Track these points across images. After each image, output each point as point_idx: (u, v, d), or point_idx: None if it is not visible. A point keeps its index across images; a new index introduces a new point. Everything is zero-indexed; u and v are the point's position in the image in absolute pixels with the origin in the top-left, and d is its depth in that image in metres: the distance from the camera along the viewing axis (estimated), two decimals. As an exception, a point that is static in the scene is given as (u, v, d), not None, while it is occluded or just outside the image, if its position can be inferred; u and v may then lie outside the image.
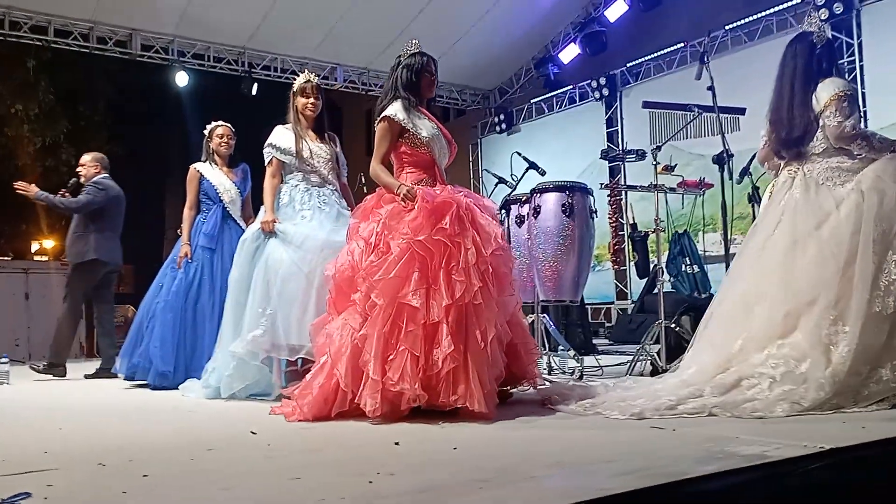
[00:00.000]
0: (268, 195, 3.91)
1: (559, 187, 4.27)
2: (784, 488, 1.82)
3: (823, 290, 2.73)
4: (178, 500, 1.67)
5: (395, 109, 3.13)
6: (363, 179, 9.12)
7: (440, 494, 1.64)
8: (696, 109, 4.00)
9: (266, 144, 3.98)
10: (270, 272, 3.69)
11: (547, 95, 10.75)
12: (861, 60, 7.37)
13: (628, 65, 9.52)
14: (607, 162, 5.35)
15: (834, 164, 2.91)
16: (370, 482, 1.74)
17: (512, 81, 11.35)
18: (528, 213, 4.41)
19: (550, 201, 4.27)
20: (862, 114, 7.28)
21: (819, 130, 2.93)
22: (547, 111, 10.88)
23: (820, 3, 7.36)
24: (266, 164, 3.97)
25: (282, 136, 3.98)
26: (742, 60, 8.15)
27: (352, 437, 2.53)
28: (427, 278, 2.75)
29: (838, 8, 7.23)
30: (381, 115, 3.14)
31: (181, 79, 9.30)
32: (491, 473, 1.84)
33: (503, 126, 11.22)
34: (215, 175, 4.84)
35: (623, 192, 7.66)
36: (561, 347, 4.50)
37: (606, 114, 9.89)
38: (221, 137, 4.90)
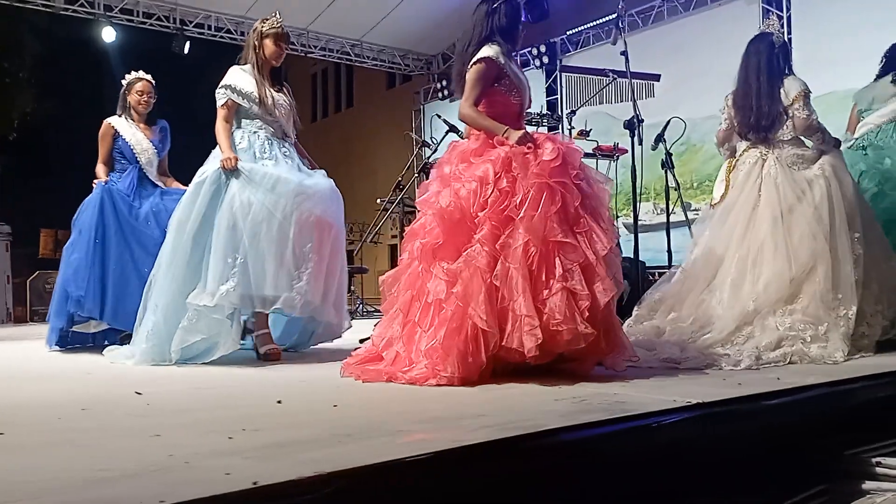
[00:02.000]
0: (224, 136, 3.55)
1: (478, 151, 4.23)
2: (647, 440, 1.87)
3: (819, 260, 3.16)
4: (26, 454, 1.62)
5: (495, 52, 2.93)
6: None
7: (297, 448, 1.62)
8: (612, 75, 4.02)
9: (221, 86, 3.63)
10: (238, 216, 3.34)
11: (489, 62, 10.66)
12: (790, 34, 7.50)
13: (568, 33, 9.50)
14: (539, 127, 5.35)
15: (798, 151, 3.39)
16: (230, 438, 1.72)
17: (455, 48, 11.24)
18: (448, 177, 4.37)
19: (469, 165, 4.22)
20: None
21: (788, 120, 3.37)
22: (489, 78, 10.80)
23: (753, -25, 7.44)
24: (219, 105, 3.61)
25: (241, 79, 3.62)
26: (678, 30, 8.23)
27: (239, 396, 2.50)
28: (568, 220, 2.64)
29: (769, -20, 7.32)
30: (479, 57, 2.92)
31: (108, 34, 8.93)
32: (359, 429, 1.83)
33: (445, 92, 11.12)
34: (132, 132, 4.48)
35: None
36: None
37: (546, 81, 9.88)
38: (141, 94, 4.52)
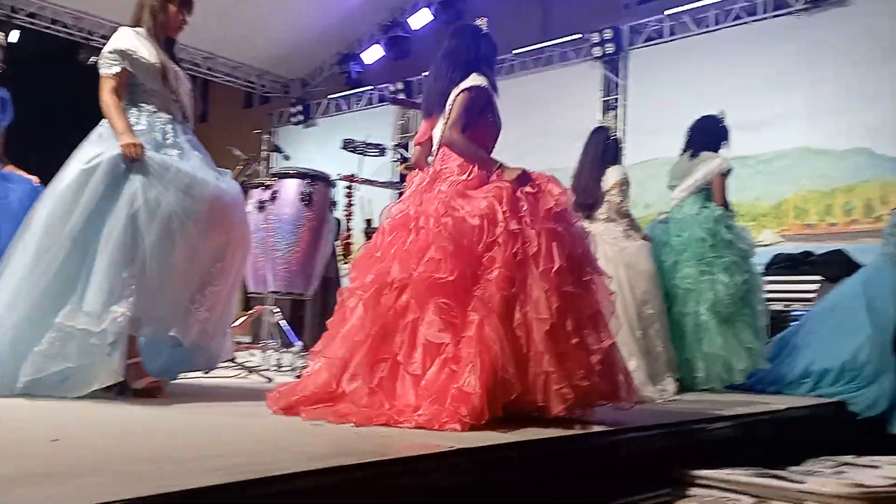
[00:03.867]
0: (119, 114, 2.80)
1: (300, 174, 4.12)
2: (392, 487, 1.76)
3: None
4: None
5: (485, 83, 2.75)
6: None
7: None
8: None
9: (111, 50, 2.88)
10: (140, 218, 2.65)
11: (346, 93, 10.61)
12: (625, 100, 8.01)
13: (424, 74, 9.63)
14: (356, 154, 5.31)
15: (611, 227, 3.98)
16: None
17: (314, 74, 11.09)
18: (267, 199, 4.20)
19: (289, 188, 4.09)
20: (622, 152, 7.93)
21: (605, 202, 3.99)
22: (345, 109, 10.73)
23: (595, 42, 7.91)
24: (109, 74, 2.86)
25: (137, 43, 2.89)
26: (527, 85, 8.57)
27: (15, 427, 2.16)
28: (573, 270, 2.54)
29: (610, 48, 7.81)
30: (473, 85, 2.72)
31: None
32: (65, 469, 1.59)
33: (300, 118, 10.91)
34: None
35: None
36: (294, 344, 4.31)
37: (401, 118, 9.94)
38: None
